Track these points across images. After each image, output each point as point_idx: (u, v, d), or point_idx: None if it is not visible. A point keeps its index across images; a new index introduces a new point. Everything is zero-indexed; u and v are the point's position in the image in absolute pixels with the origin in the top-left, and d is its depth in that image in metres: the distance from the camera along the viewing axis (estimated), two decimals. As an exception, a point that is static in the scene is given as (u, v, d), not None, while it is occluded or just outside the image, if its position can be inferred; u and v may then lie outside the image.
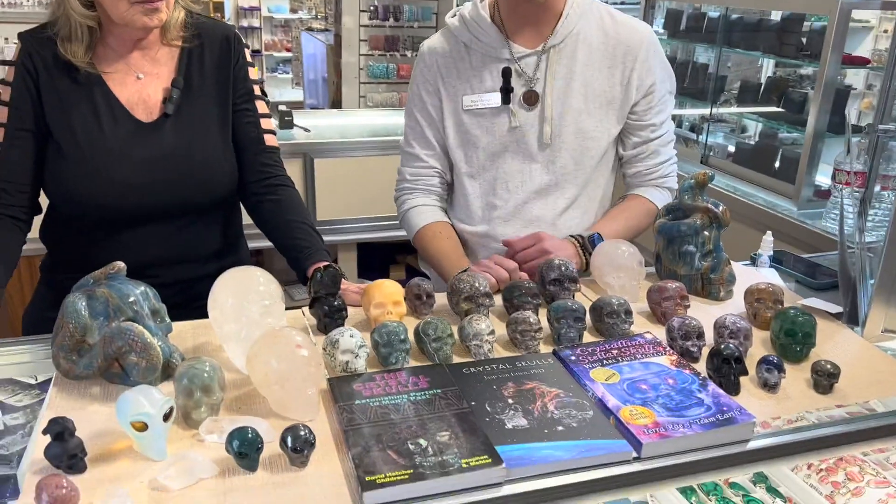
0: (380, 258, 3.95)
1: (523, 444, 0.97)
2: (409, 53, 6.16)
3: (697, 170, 1.57)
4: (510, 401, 1.07)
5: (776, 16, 3.20)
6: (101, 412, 1.03)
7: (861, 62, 3.10)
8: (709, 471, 1.04)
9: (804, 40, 2.92)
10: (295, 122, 3.58)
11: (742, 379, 1.17)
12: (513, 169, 1.62)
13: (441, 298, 1.40)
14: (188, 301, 1.35)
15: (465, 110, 1.63)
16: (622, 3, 4.87)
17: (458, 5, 3.50)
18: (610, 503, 1.03)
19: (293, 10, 10.24)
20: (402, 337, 1.17)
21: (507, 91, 1.60)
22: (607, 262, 1.47)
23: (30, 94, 1.42)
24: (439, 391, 1.07)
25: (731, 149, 3.40)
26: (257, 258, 3.59)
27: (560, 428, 1.01)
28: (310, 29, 8.46)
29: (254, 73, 1.60)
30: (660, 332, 1.30)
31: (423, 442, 0.95)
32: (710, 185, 1.49)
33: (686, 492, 1.19)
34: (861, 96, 4.84)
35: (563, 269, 1.40)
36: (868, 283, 1.40)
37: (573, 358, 1.19)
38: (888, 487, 1.03)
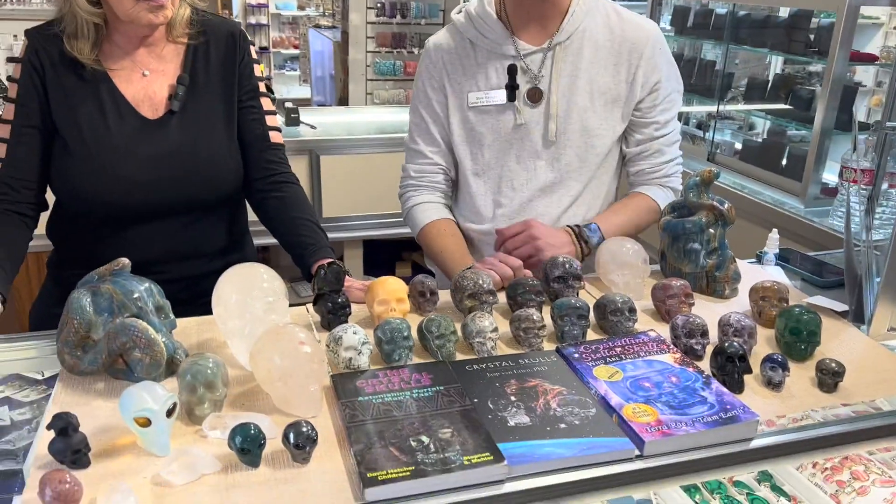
0: (386, 255, 3.95)
1: (525, 441, 0.97)
2: (416, 50, 6.16)
3: (704, 167, 1.56)
4: (513, 398, 1.07)
5: (784, 12, 3.18)
6: (105, 408, 1.04)
7: (869, 59, 3.08)
8: (712, 469, 1.04)
9: (812, 37, 2.90)
10: (301, 119, 3.58)
11: (746, 377, 1.16)
12: (518, 166, 1.62)
13: (445, 296, 1.40)
14: (194, 297, 1.35)
15: (470, 107, 1.63)
16: (629, 0, 4.85)
17: (464, 2, 3.50)
18: (613, 501, 1.03)
19: (301, 7, 10.26)
20: (406, 334, 1.17)
21: (512, 88, 1.60)
22: (612, 260, 1.47)
23: (36, 91, 1.42)
24: (442, 388, 1.07)
25: (738, 146, 3.38)
26: (264, 255, 3.60)
27: (562, 425, 1.01)
28: (317, 26, 8.47)
29: (259, 70, 1.60)
30: (664, 330, 1.30)
31: (425, 439, 0.96)
32: (716, 182, 1.49)
33: (690, 490, 1.19)
34: (871, 93, 4.82)
35: (567, 266, 1.40)
36: (874, 282, 1.39)
37: (576, 355, 1.19)
38: (894, 486, 1.03)
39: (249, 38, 1.60)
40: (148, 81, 1.48)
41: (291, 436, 0.92)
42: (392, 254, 4.03)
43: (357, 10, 6.13)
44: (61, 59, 1.42)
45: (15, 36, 5.94)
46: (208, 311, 1.21)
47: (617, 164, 1.70)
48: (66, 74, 1.42)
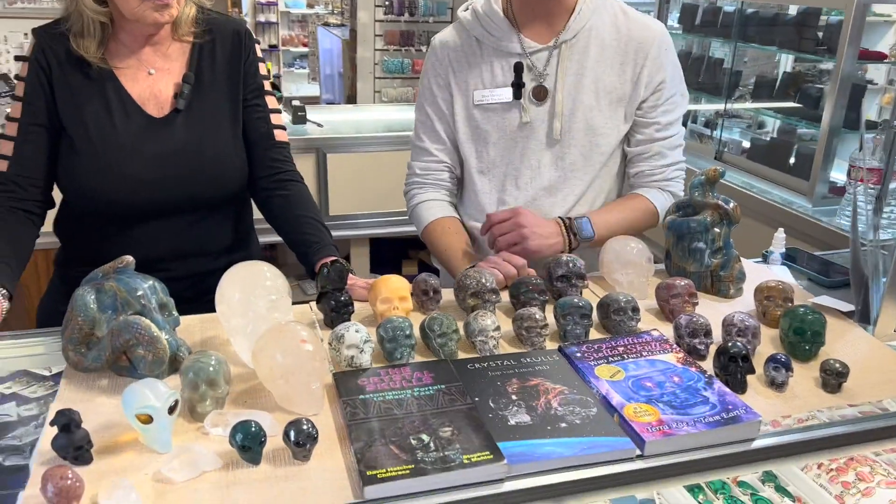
0: (392, 253, 3.95)
1: (526, 440, 0.97)
2: (424, 48, 6.17)
3: (711, 166, 1.55)
4: (514, 397, 1.07)
5: (792, 10, 3.16)
6: (108, 404, 1.05)
7: (878, 57, 3.05)
8: (714, 469, 1.03)
9: (820, 35, 2.88)
10: (308, 117, 3.59)
11: (749, 377, 1.16)
12: (522, 165, 1.62)
13: (448, 294, 1.40)
14: (199, 295, 1.36)
15: (475, 105, 1.63)
16: (638, -3, 4.83)
17: None
18: (616, 500, 1.02)
19: (310, 5, 10.27)
20: (408, 332, 1.17)
21: (518, 86, 1.60)
22: (616, 259, 1.47)
23: (43, 90, 1.43)
24: (443, 387, 1.08)
25: (746, 145, 3.37)
26: (271, 253, 3.62)
27: (563, 425, 1.01)
28: (326, 24, 8.49)
29: (264, 69, 1.60)
30: (668, 330, 1.30)
31: (425, 437, 0.96)
32: (722, 181, 1.48)
33: (693, 490, 1.18)
34: (882, 91, 4.78)
35: (570, 265, 1.40)
36: (881, 282, 1.38)
37: (578, 355, 1.19)
38: (898, 488, 1.02)
39: (259, 36, 1.61)
40: (154, 80, 1.49)
41: (292, 433, 0.93)
42: (398, 252, 4.03)
43: (365, 9, 6.14)
44: (68, 58, 1.43)
45: (25, 34, 5.98)
46: (214, 309, 1.21)
47: (620, 164, 1.69)
48: (73, 73, 1.43)
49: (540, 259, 1.50)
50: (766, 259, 1.67)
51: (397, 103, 5.85)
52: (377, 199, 3.47)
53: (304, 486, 0.90)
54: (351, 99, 6.44)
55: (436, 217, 1.67)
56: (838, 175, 2.66)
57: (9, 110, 1.47)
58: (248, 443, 0.91)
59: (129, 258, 1.16)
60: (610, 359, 1.18)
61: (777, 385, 1.15)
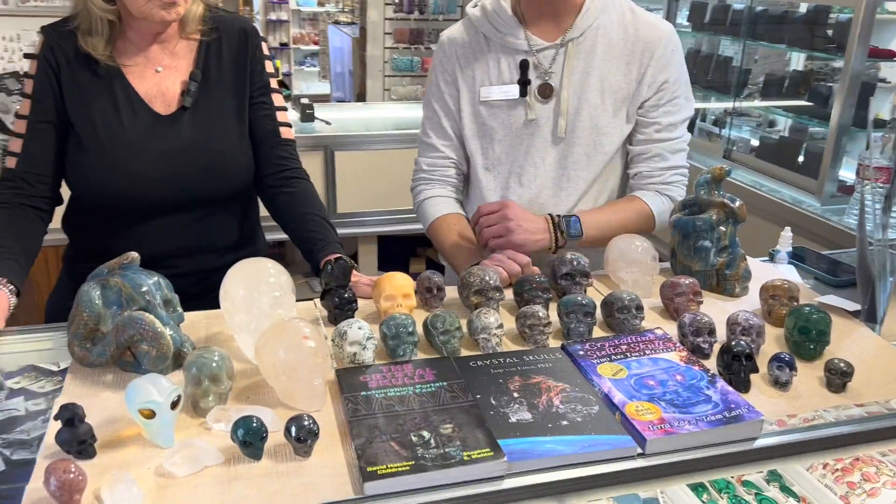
0: (400, 251, 3.96)
1: (526, 437, 0.97)
2: (433, 47, 6.15)
3: (719, 164, 1.54)
4: (515, 394, 1.07)
5: (802, 8, 3.14)
6: (112, 399, 1.05)
7: (888, 55, 3.02)
8: (716, 468, 1.03)
9: (830, 33, 2.86)
10: (316, 114, 3.60)
11: (753, 376, 1.15)
12: (527, 162, 1.62)
13: (452, 292, 1.40)
14: (205, 292, 1.37)
15: (481, 102, 1.63)
16: (647, -6, 4.82)
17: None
18: (619, 498, 1.02)
19: (321, 4, 10.28)
20: (410, 329, 1.18)
21: (524, 83, 1.60)
22: (620, 257, 1.46)
23: (51, 87, 1.44)
24: (445, 384, 1.08)
25: (755, 143, 3.35)
26: (279, 250, 3.63)
27: (564, 423, 1.01)
28: (336, 22, 8.50)
29: (271, 66, 1.61)
30: (672, 328, 1.29)
31: (426, 434, 0.96)
32: (731, 179, 1.47)
33: (697, 489, 1.18)
34: (895, 90, 4.73)
35: (574, 263, 1.40)
36: (888, 281, 1.37)
37: (581, 353, 1.19)
38: (904, 488, 1.02)
39: (270, 34, 1.62)
40: (161, 77, 1.49)
41: (293, 429, 0.93)
42: (406, 250, 4.04)
43: (375, 7, 6.15)
44: (76, 56, 1.44)
45: (38, 32, 6.02)
46: (219, 305, 1.22)
47: (624, 165, 1.69)
48: (81, 71, 1.44)
49: (537, 256, 1.50)
50: (772, 258, 1.66)
51: (406, 101, 5.85)
52: (385, 197, 3.47)
53: (305, 481, 0.90)
54: (360, 97, 6.45)
55: (441, 214, 1.67)
56: (848, 174, 2.64)
57: (18, 108, 1.49)
58: (250, 438, 0.92)
59: (135, 254, 1.17)
60: (613, 357, 1.18)
61: (781, 384, 1.15)
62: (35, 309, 2.50)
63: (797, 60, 3.59)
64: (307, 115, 3.56)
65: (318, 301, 1.36)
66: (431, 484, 0.90)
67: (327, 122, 3.57)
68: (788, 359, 1.15)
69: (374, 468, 0.89)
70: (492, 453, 0.93)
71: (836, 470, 1.20)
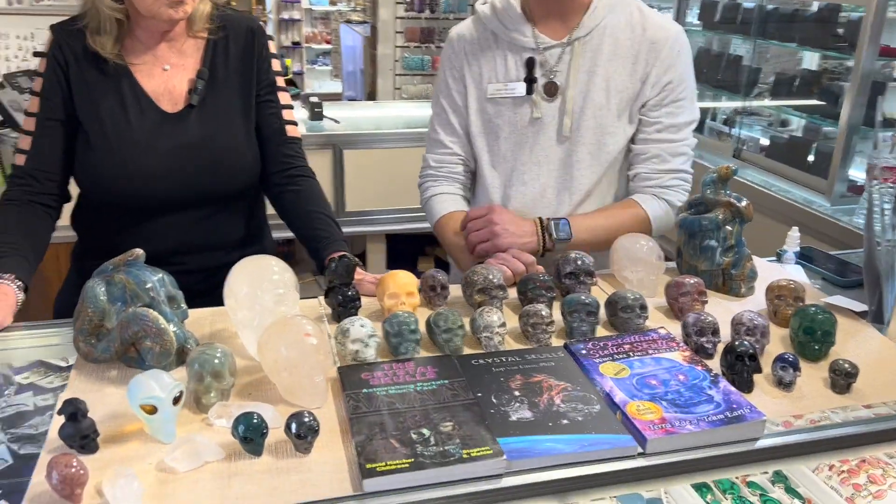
0: (409, 250, 3.96)
1: (526, 436, 0.97)
2: (444, 45, 6.17)
3: (728, 164, 1.53)
4: (517, 393, 1.07)
5: (813, 6, 3.12)
6: (116, 395, 1.06)
7: (899, 54, 3.00)
8: (717, 469, 1.03)
9: (841, 31, 2.84)
10: (326, 113, 3.61)
11: (757, 377, 1.15)
12: (531, 160, 1.62)
13: (456, 290, 1.40)
14: (212, 288, 1.37)
15: (488, 98, 1.63)
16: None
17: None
18: (622, 497, 1.02)
19: (333, 3, 10.30)
20: (413, 327, 1.18)
21: (530, 81, 1.59)
22: (625, 256, 1.46)
23: (60, 86, 1.45)
24: (446, 382, 1.08)
25: (765, 142, 3.33)
26: (288, 249, 3.64)
27: (565, 421, 1.01)
28: (348, 21, 8.51)
29: (277, 65, 1.62)
30: (677, 328, 1.29)
31: (425, 431, 0.96)
32: (740, 179, 1.47)
33: (702, 490, 1.18)
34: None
35: (578, 262, 1.40)
36: (895, 282, 1.36)
37: (584, 352, 1.18)
38: (910, 491, 1.01)
39: (282, 33, 1.63)
40: (168, 76, 1.50)
41: (293, 426, 0.93)
42: (415, 248, 4.04)
43: (386, 6, 6.16)
44: (84, 54, 1.45)
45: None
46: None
47: (629, 168, 1.68)
48: (89, 69, 1.46)
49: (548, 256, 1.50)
50: (779, 258, 1.65)
51: (416, 100, 5.85)
52: (393, 196, 3.48)
53: (304, 478, 0.91)
54: (371, 96, 6.46)
55: (448, 211, 1.68)
56: (859, 174, 2.62)
57: (27, 106, 1.50)
58: (250, 434, 0.92)
59: (140, 251, 1.17)
60: (615, 356, 1.18)
61: (784, 385, 1.14)
62: (47, 305, 2.53)
63: (811, 60, 3.56)
64: (316, 114, 3.57)
65: (322, 298, 1.37)
66: (430, 481, 0.90)
67: (336, 121, 3.58)
68: (792, 359, 1.15)
69: (374, 465, 0.90)
70: (491, 451, 0.93)
71: (842, 472, 1.19)
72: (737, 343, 1.15)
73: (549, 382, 1.10)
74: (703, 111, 3.65)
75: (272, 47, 1.61)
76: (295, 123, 1.63)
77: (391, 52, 6.26)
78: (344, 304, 1.29)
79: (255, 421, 0.93)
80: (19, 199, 1.45)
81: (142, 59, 1.49)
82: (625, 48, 1.58)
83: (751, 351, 1.14)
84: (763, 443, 1.03)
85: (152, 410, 0.94)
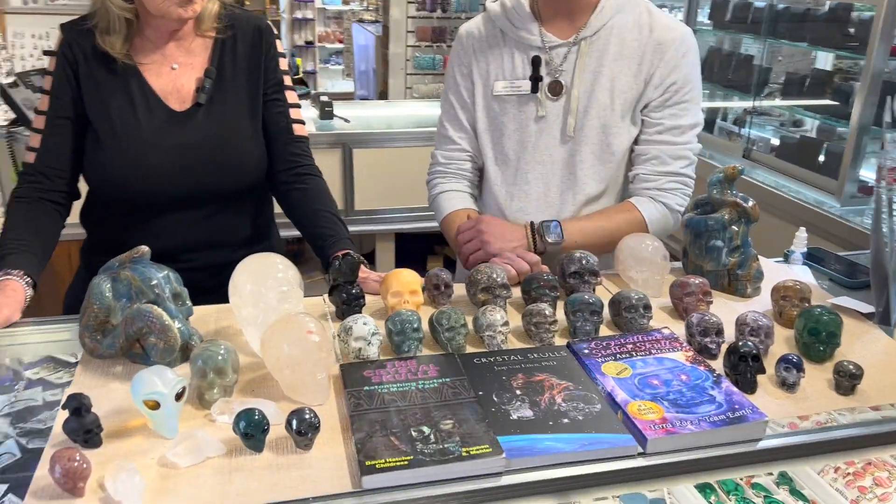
0: (418, 249, 3.97)
1: (526, 435, 0.97)
2: (455, 44, 6.17)
3: (739, 164, 1.52)
4: (518, 392, 1.07)
5: (824, 6, 3.10)
6: (121, 390, 1.07)
7: (910, 53, 2.98)
8: (718, 469, 1.02)
9: (852, 31, 2.82)
10: (336, 112, 3.62)
11: (760, 378, 1.14)
12: (535, 159, 1.61)
13: (460, 289, 1.40)
14: (219, 286, 1.38)
15: (494, 96, 1.63)
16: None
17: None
18: (625, 496, 1.02)
19: (345, 2, 10.33)
20: (416, 326, 1.18)
21: (535, 80, 1.59)
22: (630, 256, 1.46)
23: (69, 84, 1.47)
24: (448, 380, 1.08)
25: (776, 142, 3.31)
26: (298, 247, 3.66)
27: (565, 420, 1.01)
28: (361, 20, 8.53)
29: (285, 64, 1.63)
30: (681, 328, 1.28)
31: (425, 429, 0.96)
32: (750, 179, 1.46)
33: (705, 490, 1.18)
34: (924, 89, 4.63)
35: (583, 262, 1.40)
36: (902, 283, 1.35)
37: (586, 351, 1.18)
38: (916, 494, 1.00)
39: (295, 32, 1.64)
40: (176, 74, 1.52)
41: (294, 422, 0.94)
42: (425, 247, 4.05)
43: (398, 5, 6.17)
44: (94, 53, 1.46)
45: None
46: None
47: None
48: (99, 68, 1.47)
49: (547, 255, 1.50)
50: (787, 258, 1.65)
51: (427, 99, 5.86)
52: (403, 195, 3.48)
53: (304, 474, 0.91)
54: (383, 95, 6.48)
55: (455, 208, 1.68)
56: (870, 174, 2.60)
57: (37, 104, 1.52)
58: (251, 430, 0.93)
59: (145, 248, 1.18)
60: (618, 356, 1.17)
61: (788, 386, 1.14)
62: (59, 301, 2.56)
63: (825, 60, 3.53)
64: (326, 113, 3.58)
65: (326, 296, 1.37)
66: (429, 479, 0.90)
67: (346, 120, 3.59)
68: (796, 360, 1.14)
69: (373, 462, 0.90)
70: (490, 450, 0.93)
71: (848, 474, 1.18)
72: (740, 344, 1.15)
73: (550, 381, 1.10)
74: (714, 111, 3.63)
75: (279, 46, 1.62)
76: (302, 122, 1.64)
77: (402, 51, 6.28)
78: (348, 302, 1.29)
79: (256, 417, 0.93)
80: (29, 196, 1.47)
81: (150, 59, 1.50)
82: (631, 49, 1.57)
83: (754, 351, 1.13)
84: (766, 444, 1.02)
85: (155, 406, 0.95)
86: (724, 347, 1.21)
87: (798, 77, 3.31)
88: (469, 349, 1.21)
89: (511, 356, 1.17)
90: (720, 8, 3.66)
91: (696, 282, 1.36)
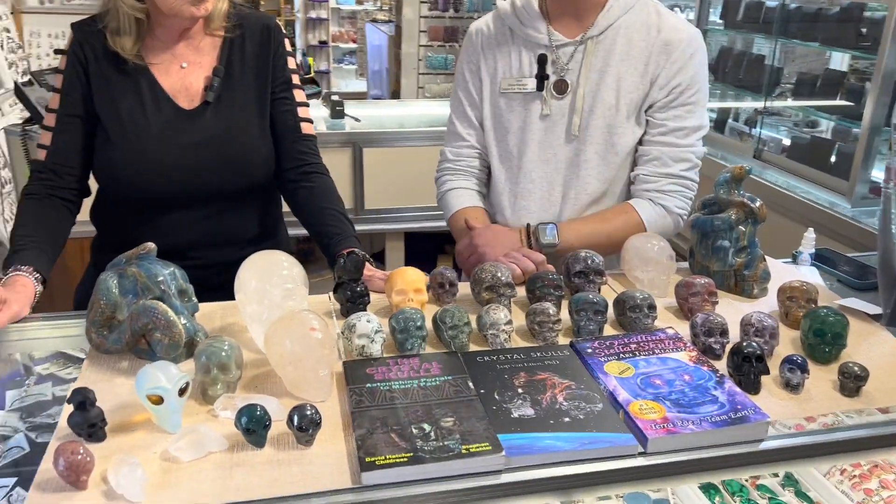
0: (428, 248, 3.97)
1: (527, 433, 0.98)
2: (467, 44, 6.18)
3: (749, 164, 1.51)
4: (520, 390, 1.07)
5: (836, 5, 3.07)
6: (126, 385, 1.08)
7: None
8: (719, 469, 1.02)
9: (865, 30, 2.79)
10: (347, 111, 3.63)
11: (764, 378, 1.14)
12: (539, 158, 1.61)
13: (465, 287, 1.41)
14: (227, 283, 1.39)
15: (501, 93, 1.63)
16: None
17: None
18: (628, 496, 1.02)
19: (359, 2, 10.36)
20: (419, 324, 1.19)
21: (541, 78, 1.59)
22: (636, 256, 1.45)
23: (80, 82, 1.48)
24: (450, 378, 1.08)
25: (787, 143, 3.29)
26: (308, 246, 3.67)
27: (566, 419, 1.01)
28: (374, 20, 8.55)
29: (293, 63, 1.64)
30: (686, 328, 1.28)
31: (426, 426, 0.97)
32: (760, 179, 1.45)
33: (710, 491, 1.17)
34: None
35: (588, 261, 1.39)
36: (910, 285, 1.34)
37: (589, 350, 1.18)
38: (922, 497, 1.00)
39: (309, 32, 1.65)
40: (185, 73, 1.53)
41: (295, 418, 0.95)
42: (435, 247, 4.05)
43: (410, 5, 6.18)
44: (104, 53, 1.48)
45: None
46: (236, 297, 1.24)
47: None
48: (109, 67, 1.48)
49: (552, 254, 1.51)
50: (795, 259, 1.64)
51: (439, 98, 5.86)
52: (413, 194, 3.49)
53: (305, 470, 0.92)
54: (395, 94, 6.49)
55: (462, 206, 1.68)
56: (881, 175, 2.58)
57: (48, 102, 1.54)
58: (253, 426, 0.94)
59: (152, 245, 1.20)
60: (621, 355, 1.17)
61: (791, 387, 1.13)
62: (71, 297, 2.59)
63: (840, 60, 3.50)
64: (337, 112, 3.59)
65: (331, 294, 1.38)
66: (428, 476, 0.91)
67: (357, 119, 3.60)
68: (800, 361, 1.13)
69: (373, 458, 0.91)
70: (490, 447, 0.93)
71: (854, 476, 1.18)
72: (744, 344, 1.14)
73: (552, 380, 1.10)
74: (725, 111, 3.61)
75: (288, 45, 1.62)
76: (310, 121, 1.65)
77: (415, 51, 6.29)
78: (352, 300, 1.30)
79: (258, 413, 0.94)
80: (39, 193, 1.49)
81: (160, 58, 1.52)
82: (638, 49, 1.56)
83: (758, 352, 1.13)
84: (769, 444, 1.02)
85: (158, 401, 0.96)
86: (728, 348, 1.20)
87: (810, 77, 3.28)
88: (473, 347, 1.21)
89: (514, 355, 1.17)
90: (732, 7, 3.64)
91: (702, 282, 1.36)
